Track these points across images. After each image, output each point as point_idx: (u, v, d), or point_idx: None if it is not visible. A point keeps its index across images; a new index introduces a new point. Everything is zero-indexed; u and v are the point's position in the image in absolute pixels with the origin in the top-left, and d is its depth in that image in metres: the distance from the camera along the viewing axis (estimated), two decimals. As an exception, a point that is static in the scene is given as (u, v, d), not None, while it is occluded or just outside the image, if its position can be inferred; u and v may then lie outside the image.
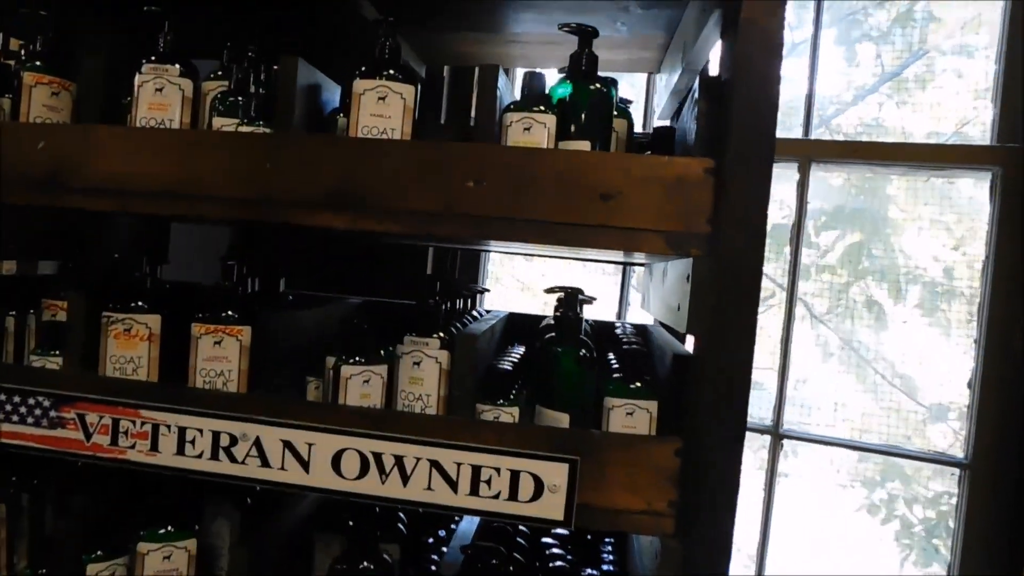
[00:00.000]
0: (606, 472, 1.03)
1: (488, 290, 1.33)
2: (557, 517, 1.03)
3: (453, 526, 1.54)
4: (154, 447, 1.10)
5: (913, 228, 2.51)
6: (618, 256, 1.51)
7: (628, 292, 2.36)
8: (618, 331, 1.39)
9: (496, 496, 1.03)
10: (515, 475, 1.03)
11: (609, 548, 1.51)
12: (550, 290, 1.18)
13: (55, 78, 1.20)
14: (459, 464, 1.04)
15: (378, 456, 1.05)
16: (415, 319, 1.15)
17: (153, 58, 1.15)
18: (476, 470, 1.03)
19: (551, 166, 1.01)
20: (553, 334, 1.15)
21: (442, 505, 1.05)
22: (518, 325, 1.50)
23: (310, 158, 1.06)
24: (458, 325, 1.22)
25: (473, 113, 1.12)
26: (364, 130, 1.09)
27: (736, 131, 0.97)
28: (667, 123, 1.59)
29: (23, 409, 1.13)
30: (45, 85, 1.19)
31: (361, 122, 1.09)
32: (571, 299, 1.12)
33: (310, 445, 1.07)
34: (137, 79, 1.15)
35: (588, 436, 1.03)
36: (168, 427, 1.10)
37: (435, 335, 1.11)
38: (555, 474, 1.02)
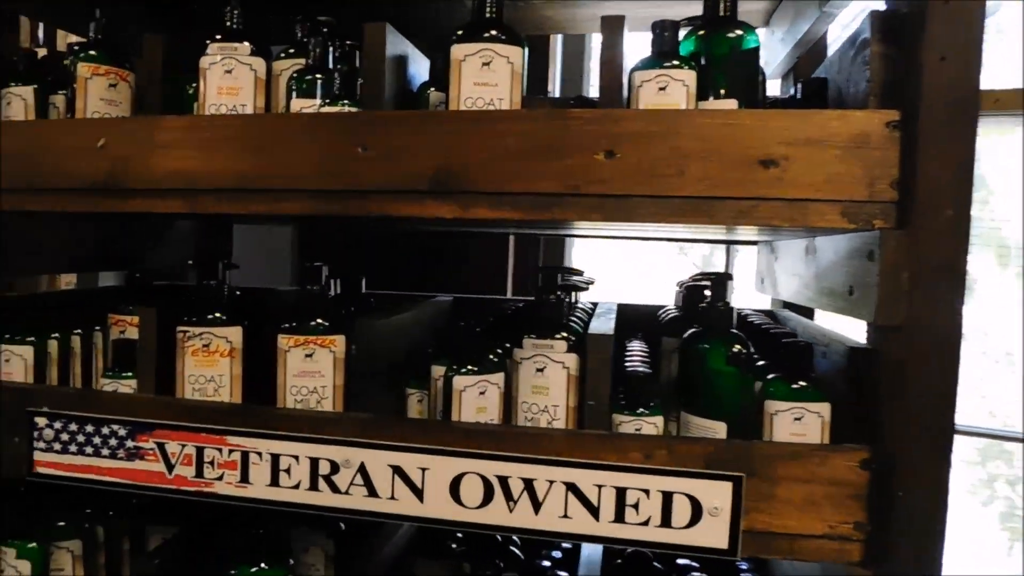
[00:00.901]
0: (776, 490, 0.87)
1: (594, 281, 1.17)
2: (720, 545, 0.87)
3: (567, 544, 1.39)
4: (244, 478, 0.97)
5: None
6: (717, 232, 1.34)
7: (731, 270, 2.18)
8: (753, 320, 1.22)
9: (645, 523, 0.88)
10: (667, 497, 0.87)
11: (745, 567, 1.34)
12: (699, 277, 1.02)
13: (112, 68, 1.07)
14: (600, 487, 0.88)
15: (503, 480, 0.91)
16: (531, 318, 1.00)
17: (219, 36, 1.01)
18: (621, 493, 0.88)
19: (697, 131, 0.84)
20: (697, 328, 0.99)
21: (583, 535, 0.90)
22: (628, 318, 1.34)
23: (409, 138, 0.91)
24: (574, 323, 1.06)
25: (591, 80, 0.96)
26: (467, 102, 0.93)
27: (929, 74, 0.79)
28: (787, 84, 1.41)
29: (96, 440, 1.00)
30: (102, 76, 1.06)
31: (463, 93, 0.94)
32: (719, 286, 0.95)
33: (423, 470, 0.93)
34: (203, 61, 1.01)
35: (752, 448, 0.87)
36: (259, 455, 0.96)
37: (560, 336, 0.95)
38: (715, 494, 0.87)
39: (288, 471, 0.96)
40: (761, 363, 0.97)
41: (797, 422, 0.91)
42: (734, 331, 0.95)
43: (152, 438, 0.99)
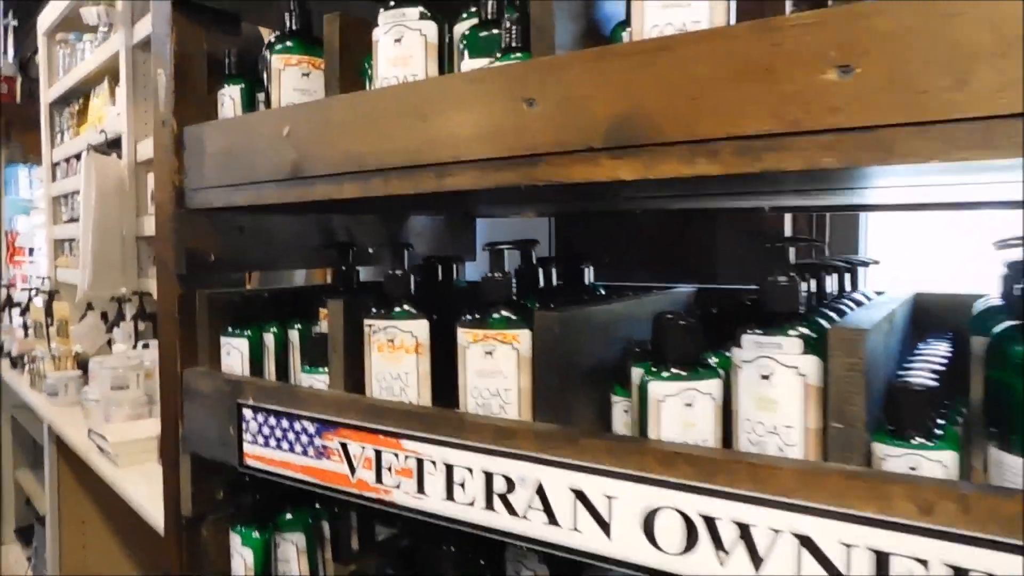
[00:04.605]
0: None
1: (876, 262, 0.87)
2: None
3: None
4: (420, 488, 0.87)
5: None
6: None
7: None
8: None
9: (921, 607, 0.59)
10: None
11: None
12: None
13: (303, 56, 1.04)
14: (848, 547, 0.62)
15: (710, 522, 0.68)
16: (755, 308, 0.76)
17: (392, 3, 0.93)
18: (881, 560, 0.61)
19: (987, 15, 0.54)
20: (1016, 322, 0.67)
21: (823, 612, 0.64)
22: (929, 311, 1.00)
23: (578, 85, 0.73)
24: (830, 314, 0.79)
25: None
26: (654, 31, 0.73)
27: None
28: None
29: (291, 435, 0.98)
30: (294, 67, 1.04)
31: (649, 20, 0.73)
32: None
33: (609, 498, 0.74)
34: (375, 33, 0.93)
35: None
36: (433, 463, 0.85)
37: (793, 331, 0.70)
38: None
39: (463, 485, 0.83)
40: None
41: None
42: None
43: (336, 437, 0.93)
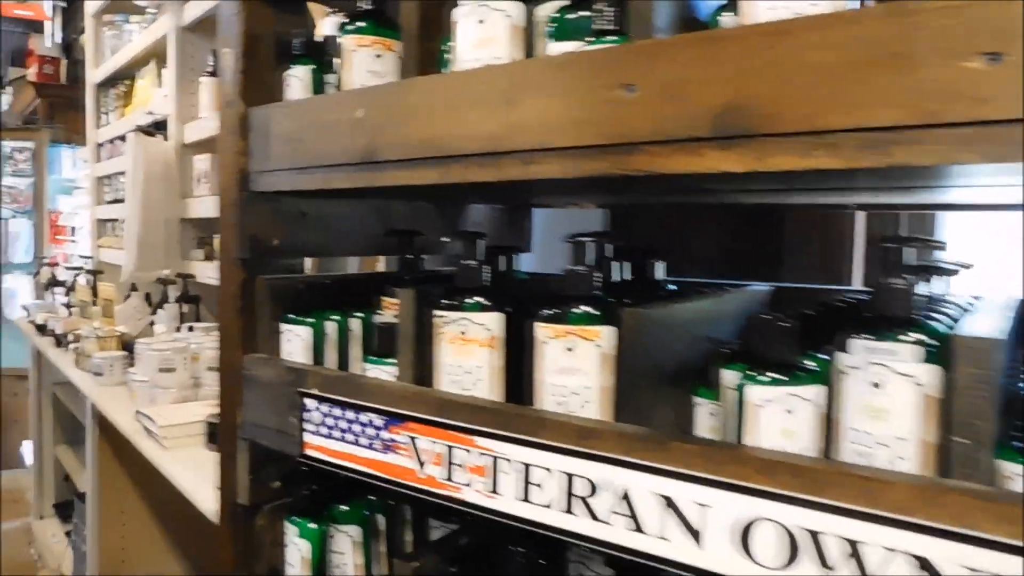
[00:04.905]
0: None
1: (970, 265, 0.82)
2: None
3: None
4: (493, 487, 0.83)
5: None
6: None
7: None
8: None
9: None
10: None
11: None
12: None
13: (377, 38, 1.01)
14: (975, 573, 0.58)
15: (815, 536, 0.64)
16: (864, 311, 0.72)
17: (475, -17, 0.89)
18: (1008, 586, 0.56)
19: None
20: None
21: (942, 639, 0.60)
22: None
23: (683, 70, 0.69)
24: (940, 320, 0.74)
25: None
26: (768, 13, 0.68)
27: None
28: None
29: (356, 427, 0.95)
30: (367, 48, 1.01)
31: (762, 2, 0.69)
32: None
33: (702, 507, 0.70)
34: (455, 14, 0.89)
35: None
36: (508, 462, 0.82)
37: (909, 337, 0.66)
38: None
39: (540, 486, 0.80)
40: None
41: None
42: None
43: (404, 431, 0.91)
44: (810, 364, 0.74)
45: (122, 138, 3.49)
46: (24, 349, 4.62)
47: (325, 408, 0.99)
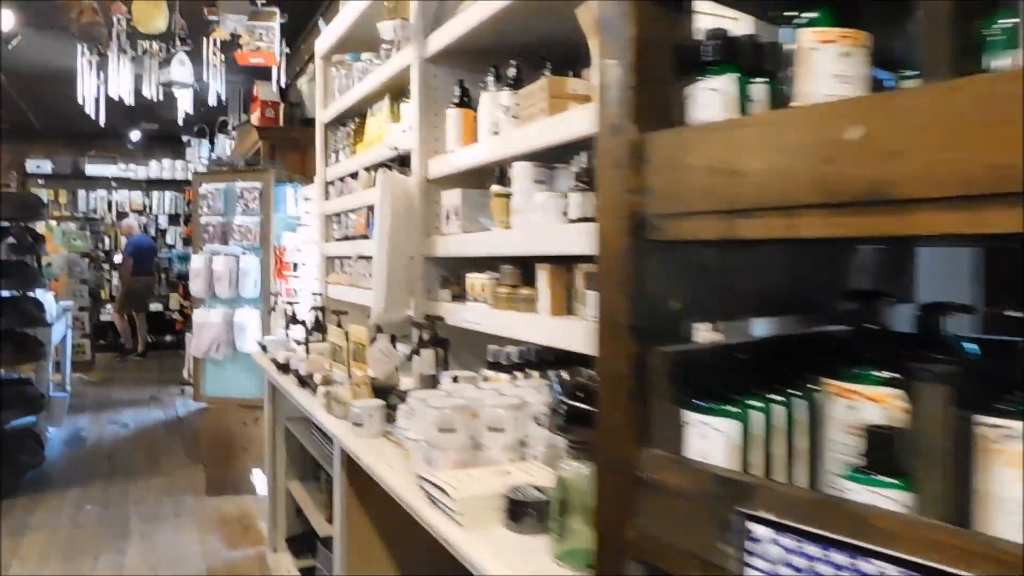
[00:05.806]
0: None
1: None
2: None
3: None
4: None
5: None
6: None
7: None
8: None
9: None
10: None
11: None
12: None
13: (846, 31, 0.74)
14: None
15: None
16: None
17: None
18: None
19: None
20: None
21: None
22: None
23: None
24: None
25: None
26: None
27: None
28: None
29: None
30: (831, 44, 0.74)
31: None
32: None
33: None
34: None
35: None
36: None
37: None
38: None
39: None
40: None
41: None
42: None
43: (955, 601, 0.61)
44: None
45: (353, 175, 3.50)
46: (252, 380, 4.82)
47: (790, 542, 0.71)
